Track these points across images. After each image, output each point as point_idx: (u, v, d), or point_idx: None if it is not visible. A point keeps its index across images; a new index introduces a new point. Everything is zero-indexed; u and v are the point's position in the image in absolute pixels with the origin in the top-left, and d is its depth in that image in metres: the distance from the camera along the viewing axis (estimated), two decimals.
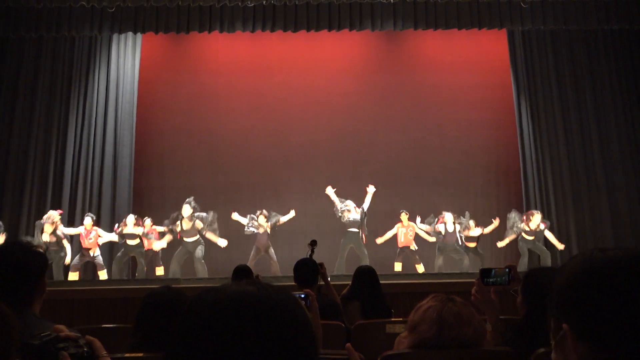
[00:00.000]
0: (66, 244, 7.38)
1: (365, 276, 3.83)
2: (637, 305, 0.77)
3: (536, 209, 8.46)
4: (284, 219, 7.91)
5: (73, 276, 7.38)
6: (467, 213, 8.06)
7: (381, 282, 3.91)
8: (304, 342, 0.69)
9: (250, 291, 0.70)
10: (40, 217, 7.70)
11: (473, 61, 9.36)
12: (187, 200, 7.64)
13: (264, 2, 7.68)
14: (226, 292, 0.71)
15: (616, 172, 8.47)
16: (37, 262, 1.67)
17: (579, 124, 8.65)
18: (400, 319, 3.17)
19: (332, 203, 7.98)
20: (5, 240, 6.87)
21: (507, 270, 2.06)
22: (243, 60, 9.46)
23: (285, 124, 9.27)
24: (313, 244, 4.48)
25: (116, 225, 7.71)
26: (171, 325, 0.74)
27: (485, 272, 2.11)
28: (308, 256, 4.09)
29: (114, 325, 3.59)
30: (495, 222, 8.05)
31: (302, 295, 2.09)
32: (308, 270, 3.52)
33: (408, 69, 9.50)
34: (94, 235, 7.47)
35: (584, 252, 0.88)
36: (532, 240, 7.74)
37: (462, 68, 9.33)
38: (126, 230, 7.55)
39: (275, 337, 0.66)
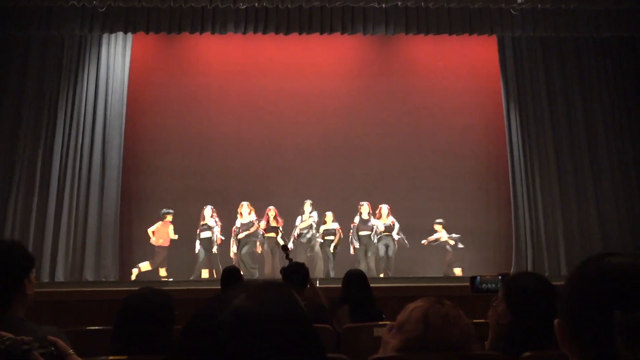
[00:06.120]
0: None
1: (354, 280, 3.83)
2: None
3: (524, 213, 8.51)
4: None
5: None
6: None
7: (372, 285, 3.90)
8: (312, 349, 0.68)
9: (248, 308, 0.67)
10: (27, 218, 7.67)
11: (464, 67, 9.39)
12: None
13: (256, 4, 7.66)
14: (222, 315, 0.67)
15: (604, 178, 8.51)
16: (16, 263, 1.61)
17: (568, 131, 8.71)
18: (388, 323, 3.17)
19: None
20: None
21: (500, 277, 2.05)
22: (235, 63, 9.40)
23: (277, 127, 9.22)
24: (285, 249, 4.56)
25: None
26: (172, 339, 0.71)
27: (472, 280, 2.14)
28: (287, 261, 4.17)
29: (99, 328, 3.51)
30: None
31: None
32: (298, 275, 3.57)
33: (400, 73, 9.51)
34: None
35: (593, 257, 0.90)
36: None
37: (453, 73, 9.36)
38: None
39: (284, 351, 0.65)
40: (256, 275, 7.79)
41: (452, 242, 8.32)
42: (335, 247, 8.01)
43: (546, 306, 1.63)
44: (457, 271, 8.27)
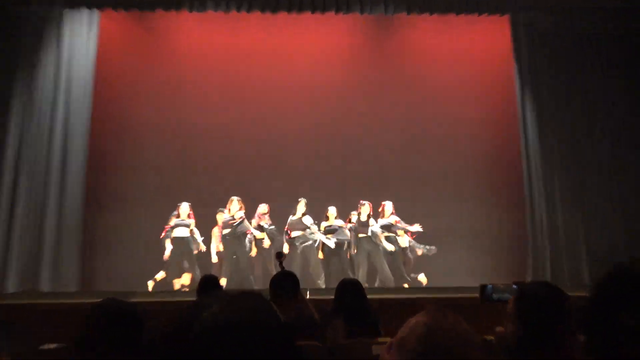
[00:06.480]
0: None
1: (349, 289, 3.49)
2: None
3: (541, 219, 7.62)
4: None
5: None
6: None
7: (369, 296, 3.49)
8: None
9: (223, 318, 0.75)
10: None
11: (472, 52, 8.71)
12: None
13: None
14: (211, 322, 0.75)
15: (628, 177, 7.73)
16: None
17: (587, 125, 7.86)
18: (389, 339, 2.53)
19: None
20: None
21: (514, 286, 2.00)
22: (218, 47, 8.77)
23: (264, 117, 8.59)
24: (279, 256, 4.18)
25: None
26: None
27: (482, 288, 2.09)
28: (279, 268, 3.86)
29: (55, 346, 3.37)
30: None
31: None
32: (287, 283, 3.33)
33: (400, 60, 8.84)
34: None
35: (618, 265, 1.03)
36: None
37: (460, 60, 8.66)
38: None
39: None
40: (252, 282, 7.12)
41: (418, 251, 7.44)
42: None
43: (555, 315, 1.66)
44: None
